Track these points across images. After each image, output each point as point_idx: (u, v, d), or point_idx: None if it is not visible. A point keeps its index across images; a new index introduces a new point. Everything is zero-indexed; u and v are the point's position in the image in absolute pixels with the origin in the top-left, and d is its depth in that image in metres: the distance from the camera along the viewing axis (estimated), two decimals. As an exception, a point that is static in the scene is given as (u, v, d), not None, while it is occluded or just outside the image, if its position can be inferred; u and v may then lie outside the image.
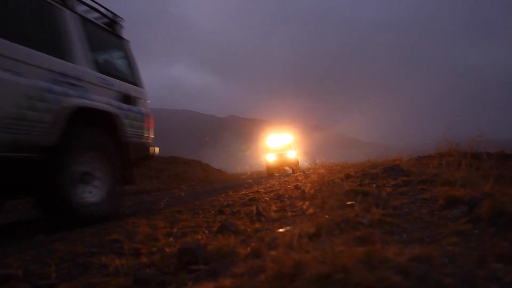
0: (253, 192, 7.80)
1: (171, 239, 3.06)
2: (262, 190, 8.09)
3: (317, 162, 7.68)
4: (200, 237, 2.66)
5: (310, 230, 2.09)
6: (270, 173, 26.08)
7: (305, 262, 1.41)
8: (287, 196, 5.89)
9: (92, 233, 3.77)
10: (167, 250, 2.37)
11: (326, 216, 2.61)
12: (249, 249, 2.14)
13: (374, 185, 4.48)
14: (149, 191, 16.04)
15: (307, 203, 2.63)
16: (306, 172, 10.92)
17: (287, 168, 26.42)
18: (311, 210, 2.47)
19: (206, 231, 3.18)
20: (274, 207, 4.50)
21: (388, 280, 1.10)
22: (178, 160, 31.31)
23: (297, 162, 27.30)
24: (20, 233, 4.93)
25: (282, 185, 9.34)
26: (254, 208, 4.43)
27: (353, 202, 3.24)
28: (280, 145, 29.11)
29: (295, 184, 8.04)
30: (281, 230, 2.64)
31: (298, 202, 4.65)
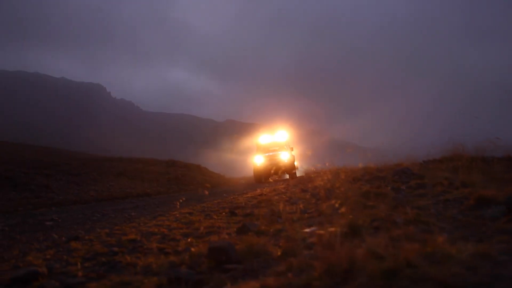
0: (259, 195, 7.73)
1: (189, 239, 3.00)
2: (268, 193, 8.02)
3: (327, 164, 7.62)
4: (226, 237, 2.60)
5: (343, 229, 2.04)
6: (258, 180, 19.85)
7: (357, 258, 1.36)
8: (296, 198, 5.83)
9: (107, 233, 3.70)
10: (193, 249, 2.31)
11: (350, 216, 2.56)
12: (280, 248, 2.09)
13: (389, 187, 4.44)
14: (150, 194, 15.95)
15: (338, 202, 2.58)
16: (312, 176, 10.83)
17: (280, 172, 20.14)
18: (343, 210, 2.42)
19: (225, 232, 3.12)
20: (287, 209, 4.44)
21: (460, 276, 1.05)
22: (177, 164, 31.17)
23: (293, 164, 20.40)
24: (30, 232, 4.84)
25: (287, 188, 9.27)
26: (268, 210, 4.37)
27: (374, 203, 3.20)
28: (272, 145, 22.12)
29: (301, 187, 7.99)
30: (307, 230, 2.59)
31: (311, 204, 4.60)
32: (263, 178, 20.01)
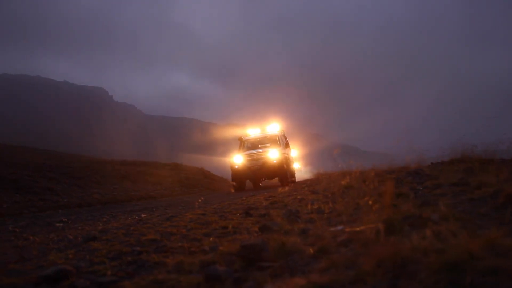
0: (269, 197, 7.67)
1: (211, 238, 2.96)
2: (278, 195, 7.97)
3: (340, 165, 7.54)
4: (255, 235, 2.55)
5: (380, 226, 1.99)
6: (238, 187, 15.09)
7: (408, 252, 1.31)
8: (309, 199, 5.78)
9: (124, 233, 3.65)
10: (221, 248, 2.27)
11: (376, 215, 2.52)
12: (313, 247, 2.04)
13: (407, 187, 4.39)
14: (154, 197, 15.91)
15: (372, 199, 2.54)
16: (320, 178, 10.75)
17: (268, 176, 15.33)
18: (376, 206, 2.38)
19: (247, 231, 3.07)
20: (304, 209, 4.40)
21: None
22: (180, 167, 31.15)
23: (284, 165, 14.63)
24: (42, 233, 4.79)
25: (295, 190, 9.22)
26: (285, 210, 4.32)
27: (396, 203, 3.15)
28: (260, 140, 16.74)
29: (310, 189, 7.94)
30: (334, 228, 2.55)
31: (328, 204, 4.55)
32: (244, 184, 15.39)
